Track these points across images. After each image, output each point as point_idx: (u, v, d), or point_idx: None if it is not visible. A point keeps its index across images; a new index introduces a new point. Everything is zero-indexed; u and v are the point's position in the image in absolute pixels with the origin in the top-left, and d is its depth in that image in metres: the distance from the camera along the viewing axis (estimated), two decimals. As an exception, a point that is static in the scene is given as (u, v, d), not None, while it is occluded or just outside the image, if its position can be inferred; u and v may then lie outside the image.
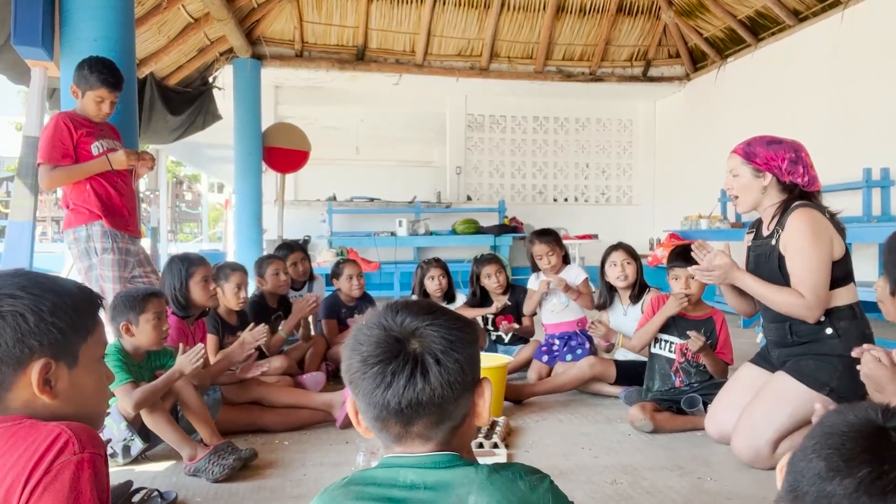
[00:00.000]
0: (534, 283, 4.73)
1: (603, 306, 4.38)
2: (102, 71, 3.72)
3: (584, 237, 9.92)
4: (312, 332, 5.08)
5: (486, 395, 1.22)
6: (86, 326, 1.31)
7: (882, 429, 0.90)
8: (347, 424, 3.46)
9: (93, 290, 1.39)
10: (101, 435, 1.25)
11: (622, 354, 4.23)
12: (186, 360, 2.89)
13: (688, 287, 3.58)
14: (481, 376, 1.24)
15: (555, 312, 4.63)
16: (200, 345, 2.96)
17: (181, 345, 2.98)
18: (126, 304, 2.92)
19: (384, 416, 1.15)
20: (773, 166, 2.86)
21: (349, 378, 1.19)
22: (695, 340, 3.42)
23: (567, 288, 4.48)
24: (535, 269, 4.73)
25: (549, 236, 4.66)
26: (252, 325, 3.76)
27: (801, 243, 2.74)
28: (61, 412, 1.24)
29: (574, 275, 4.62)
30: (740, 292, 3.09)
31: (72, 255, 3.97)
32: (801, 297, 2.71)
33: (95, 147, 3.76)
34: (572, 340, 4.50)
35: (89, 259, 3.80)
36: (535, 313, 4.80)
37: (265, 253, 6.71)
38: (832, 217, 2.84)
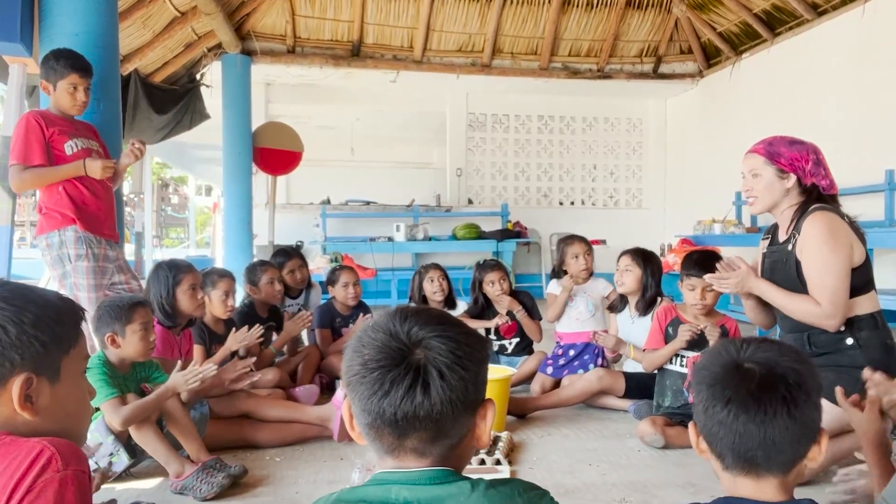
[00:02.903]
0: (555, 288, 4.73)
1: (613, 308, 4.43)
2: (69, 57, 3.74)
3: (591, 243, 9.92)
4: (306, 343, 5.07)
5: (488, 418, 1.21)
6: (68, 339, 1.31)
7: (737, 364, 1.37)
8: (345, 437, 3.47)
9: (74, 301, 1.40)
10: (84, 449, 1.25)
11: (631, 366, 4.23)
12: (182, 380, 2.89)
13: (704, 298, 3.58)
14: (486, 397, 1.24)
15: (580, 321, 4.62)
16: (209, 366, 2.96)
17: (179, 362, 2.99)
18: (111, 314, 2.92)
19: (378, 425, 1.15)
20: (797, 167, 2.87)
21: (347, 379, 1.19)
22: (711, 330, 3.46)
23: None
24: (556, 275, 4.75)
25: (583, 238, 4.76)
26: (234, 329, 3.77)
27: (818, 247, 2.74)
28: (42, 429, 1.24)
29: (602, 286, 4.65)
30: (761, 304, 3.10)
31: (45, 262, 3.94)
32: (817, 305, 2.72)
33: (69, 146, 3.74)
34: (585, 354, 4.50)
35: (63, 266, 3.77)
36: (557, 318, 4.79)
37: (256, 259, 6.72)
38: (851, 222, 2.84)
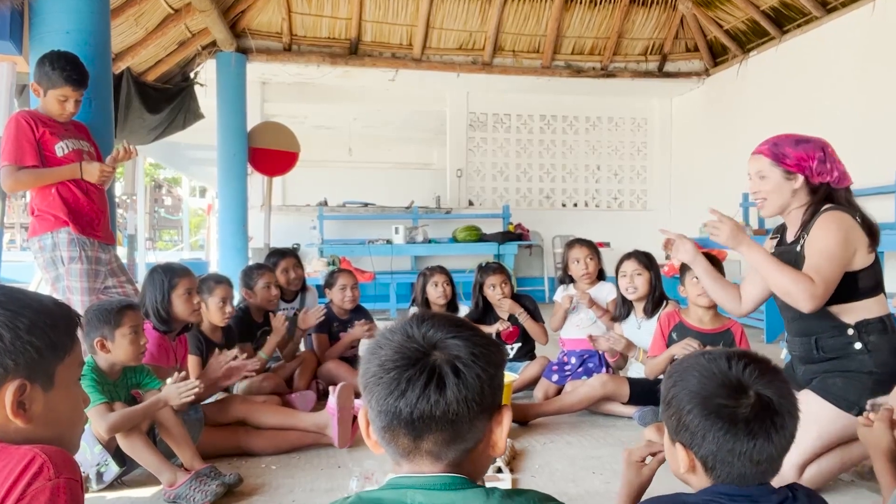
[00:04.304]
0: (561, 295, 4.76)
1: (618, 318, 4.41)
2: (66, 67, 3.70)
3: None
4: (302, 348, 5.07)
5: (504, 424, 1.24)
6: (63, 346, 1.31)
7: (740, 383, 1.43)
8: (346, 443, 3.47)
9: (70, 306, 1.40)
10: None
11: (636, 371, 4.24)
12: (175, 392, 2.89)
13: (706, 293, 3.60)
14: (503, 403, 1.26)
15: (580, 327, 4.63)
16: (195, 381, 2.95)
17: (177, 373, 2.98)
18: (100, 317, 2.92)
19: (394, 427, 1.18)
20: (804, 167, 2.86)
21: (364, 382, 1.22)
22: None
23: (592, 303, 4.51)
24: (563, 280, 4.77)
25: (589, 243, 4.76)
26: (236, 352, 3.72)
27: (826, 238, 2.74)
28: (34, 437, 1.24)
29: (607, 291, 4.65)
30: (723, 281, 3.11)
31: (37, 265, 3.96)
32: (810, 282, 2.69)
33: (60, 147, 3.75)
34: (589, 362, 4.50)
35: (56, 269, 3.79)
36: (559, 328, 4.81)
37: (251, 262, 6.70)
38: (864, 220, 2.83)
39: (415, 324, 1.24)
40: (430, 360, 1.17)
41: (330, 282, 5.03)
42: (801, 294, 2.70)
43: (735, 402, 1.40)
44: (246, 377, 3.96)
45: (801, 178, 2.86)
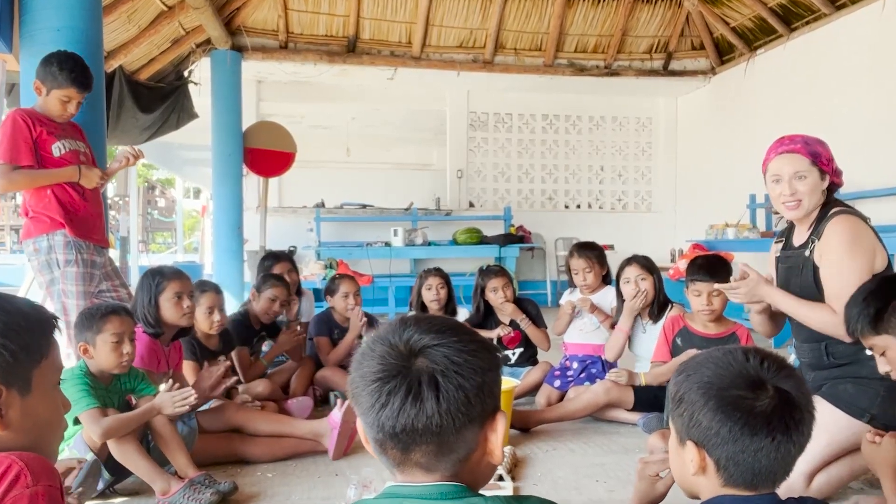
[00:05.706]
0: (567, 299, 4.76)
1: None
2: (73, 69, 3.72)
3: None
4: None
5: (499, 431, 1.21)
6: (39, 349, 1.31)
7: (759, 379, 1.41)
8: (340, 454, 3.47)
9: (47, 308, 1.39)
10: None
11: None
12: (169, 400, 2.88)
13: (710, 303, 3.61)
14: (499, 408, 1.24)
15: (583, 332, 4.63)
16: (190, 391, 2.95)
17: (170, 381, 2.97)
18: (84, 322, 2.92)
19: (381, 439, 1.17)
20: (831, 168, 2.88)
21: (351, 392, 1.21)
22: None
23: (594, 308, 4.49)
24: (572, 283, 4.77)
25: (591, 251, 4.70)
26: (227, 364, 3.70)
27: (839, 253, 2.73)
28: (12, 443, 1.23)
29: (612, 296, 4.63)
30: (768, 315, 3.09)
31: (31, 267, 3.96)
32: (834, 314, 2.69)
33: (57, 147, 3.76)
34: (592, 367, 4.49)
35: (51, 272, 3.79)
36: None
37: (247, 265, 6.67)
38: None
39: (398, 331, 1.21)
40: (411, 371, 1.15)
41: (332, 288, 4.98)
42: (834, 330, 2.69)
43: (754, 394, 1.38)
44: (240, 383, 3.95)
45: (827, 177, 2.87)
